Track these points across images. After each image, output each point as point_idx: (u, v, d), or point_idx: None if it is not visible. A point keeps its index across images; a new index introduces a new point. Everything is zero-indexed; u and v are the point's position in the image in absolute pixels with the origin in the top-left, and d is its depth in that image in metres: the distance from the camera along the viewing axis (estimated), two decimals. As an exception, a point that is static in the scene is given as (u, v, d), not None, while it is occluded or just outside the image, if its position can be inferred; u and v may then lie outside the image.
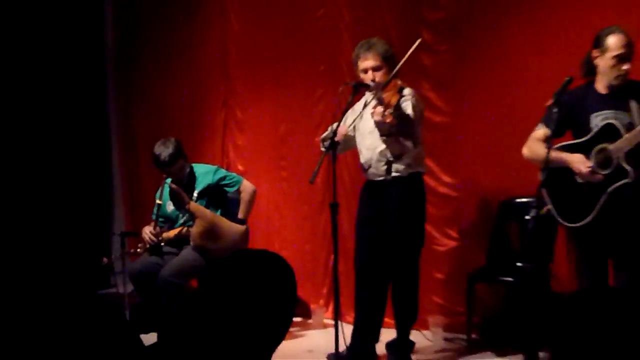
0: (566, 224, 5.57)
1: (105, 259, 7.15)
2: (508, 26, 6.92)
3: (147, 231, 6.94)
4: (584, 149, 5.45)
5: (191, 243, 6.87)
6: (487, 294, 7.04)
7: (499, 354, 6.66)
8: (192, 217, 6.92)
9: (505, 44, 6.92)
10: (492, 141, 7.00)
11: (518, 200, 6.81)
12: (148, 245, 6.92)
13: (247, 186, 7.16)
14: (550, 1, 6.69)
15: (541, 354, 5.15)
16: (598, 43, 5.43)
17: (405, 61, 5.82)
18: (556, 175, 5.50)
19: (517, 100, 6.81)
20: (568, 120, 5.54)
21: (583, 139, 5.47)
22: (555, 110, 5.13)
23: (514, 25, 6.89)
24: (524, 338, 6.39)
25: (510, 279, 6.67)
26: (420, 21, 7.26)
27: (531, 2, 6.80)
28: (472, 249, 7.18)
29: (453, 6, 7.13)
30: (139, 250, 7.05)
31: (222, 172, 7.16)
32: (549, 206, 5.60)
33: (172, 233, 6.97)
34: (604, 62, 5.40)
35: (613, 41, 5.36)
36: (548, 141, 5.19)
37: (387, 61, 6.23)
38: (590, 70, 5.53)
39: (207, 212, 6.96)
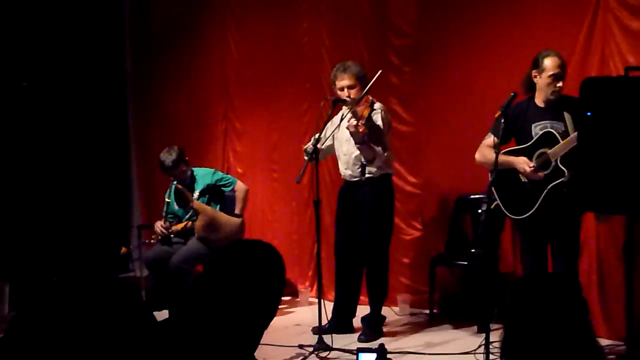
0: (512, 216, 5.60)
1: (124, 249, 7.15)
2: (461, 50, 6.89)
3: (159, 225, 6.95)
4: (526, 154, 5.47)
5: (195, 234, 6.87)
6: (446, 275, 7.03)
7: (456, 326, 6.65)
8: (196, 212, 6.90)
9: (459, 65, 6.90)
10: (449, 147, 6.99)
11: (472, 196, 6.77)
12: (160, 237, 6.94)
13: (240, 186, 7.12)
14: (496, 28, 6.67)
15: (491, 325, 5.14)
16: (536, 64, 5.46)
17: (371, 86, 6.01)
18: (503, 175, 5.52)
19: (469, 112, 6.79)
20: (513, 129, 5.57)
21: (526, 145, 5.49)
22: (502, 120, 5.14)
23: (466, 49, 6.87)
24: (477, 312, 6.42)
25: (465, 262, 6.67)
26: (389, 46, 7.24)
27: (480, 29, 6.77)
28: (434, 237, 7.17)
29: (416, 34, 7.11)
30: (152, 241, 7.07)
31: (219, 174, 7.13)
32: (497, 202, 5.63)
33: (180, 226, 6.96)
34: (541, 81, 5.43)
35: (549, 63, 5.39)
36: (496, 147, 5.20)
37: (361, 80, 6.26)
38: (531, 87, 5.55)
39: (208, 208, 6.93)
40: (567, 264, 5.45)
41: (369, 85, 6.04)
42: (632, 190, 4.39)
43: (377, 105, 6.16)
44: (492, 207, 5.69)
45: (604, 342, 5.68)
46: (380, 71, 6.11)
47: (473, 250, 6.56)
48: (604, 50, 5.87)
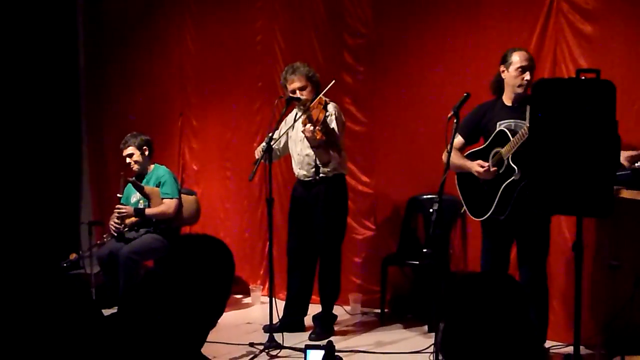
0: (475, 218, 5.59)
1: (74, 254, 7.09)
2: (415, 50, 6.90)
3: (113, 218, 6.91)
4: (484, 154, 5.48)
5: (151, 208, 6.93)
6: (397, 275, 7.05)
7: (406, 326, 6.67)
8: (148, 198, 6.93)
9: (414, 65, 6.91)
10: (402, 147, 7.01)
11: (424, 196, 6.81)
12: (115, 234, 6.90)
13: (169, 204, 6.99)
14: (450, 29, 6.68)
15: (442, 325, 5.16)
16: (505, 59, 5.44)
17: (325, 92, 5.99)
18: (467, 178, 5.56)
19: (423, 112, 6.80)
20: (479, 129, 5.59)
21: (483, 145, 5.52)
22: (455, 121, 5.14)
23: (420, 49, 6.87)
24: (427, 311, 6.45)
25: (416, 262, 6.69)
26: (343, 46, 7.24)
27: (435, 29, 6.78)
28: (385, 237, 7.18)
29: (370, 34, 7.11)
30: (105, 239, 7.02)
31: (169, 179, 7.08)
32: (464, 207, 5.66)
33: (134, 219, 6.93)
34: (509, 75, 5.40)
35: (517, 56, 5.37)
36: (449, 148, 5.18)
37: (311, 80, 6.26)
38: (499, 88, 5.53)
39: (156, 189, 6.97)
40: (531, 268, 5.46)
41: (320, 94, 6.00)
42: (581, 191, 4.43)
43: (330, 106, 6.11)
44: (461, 211, 5.76)
45: (549, 343, 5.74)
46: (333, 80, 6.10)
47: (424, 250, 6.59)
48: (556, 53, 5.91)
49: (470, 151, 5.64)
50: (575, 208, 4.56)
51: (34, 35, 8.56)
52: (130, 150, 7.02)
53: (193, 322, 2.46)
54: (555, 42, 5.99)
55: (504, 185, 5.31)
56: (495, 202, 5.36)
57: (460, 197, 5.68)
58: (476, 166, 5.45)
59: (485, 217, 5.45)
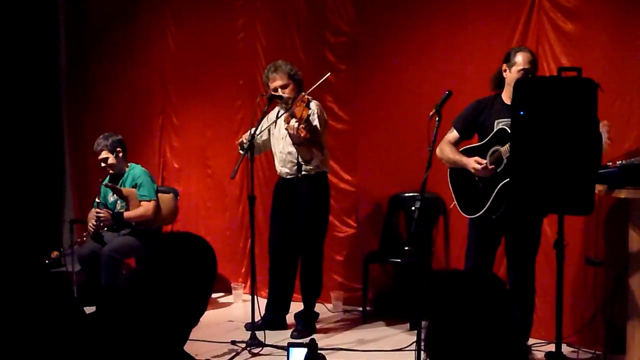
0: (467, 215, 5.56)
1: (55, 252, 7.06)
2: (397, 48, 6.91)
3: (91, 220, 6.88)
4: (481, 151, 5.42)
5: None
6: (379, 273, 7.07)
7: (389, 323, 6.68)
8: (126, 200, 6.88)
9: (395, 63, 6.91)
10: (383, 145, 7.02)
11: (405, 194, 6.83)
12: (92, 232, 6.87)
13: (147, 206, 6.92)
14: (432, 27, 6.69)
15: (424, 322, 5.17)
16: (508, 58, 5.39)
17: (315, 86, 6.00)
18: (460, 174, 5.52)
19: (405, 110, 6.81)
20: (475, 125, 5.55)
21: (481, 142, 5.46)
22: (437, 119, 5.10)
23: (402, 47, 6.88)
24: (409, 309, 6.45)
25: (398, 260, 6.71)
26: (325, 44, 7.24)
27: (416, 27, 6.79)
28: (367, 235, 7.19)
29: (352, 32, 7.11)
30: (85, 238, 6.99)
31: (146, 180, 7.01)
32: (455, 202, 5.64)
33: (109, 215, 6.90)
34: (511, 75, 5.33)
35: (520, 57, 5.31)
36: (430, 146, 5.13)
37: (293, 78, 6.27)
38: (499, 84, 5.48)
39: (133, 190, 6.91)
40: (520, 267, 5.49)
41: (315, 85, 6.02)
42: (562, 188, 4.45)
43: (313, 104, 6.11)
44: (450, 206, 5.74)
45: (531, 340, 5.76)
46: (328, 73, 6.10)
47: (406, 248, 6.59)
48: (538, 51, 5.90)
49: (467, 147, 5.60)
50: (556, 206, 4.57)
51: (14, 35, 8.52)
52: (104, 155, 6.94)
53: (176, 320, 2.46)
54: (537, 40, 6.01)
55: (500, 184, 5.26)
56: (490, 200, 5.32)
57: (452, 192, 5.63)
58: (473, 163, 5.38)
59: (478, 214, 5.43)
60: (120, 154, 6.99)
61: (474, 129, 5.59)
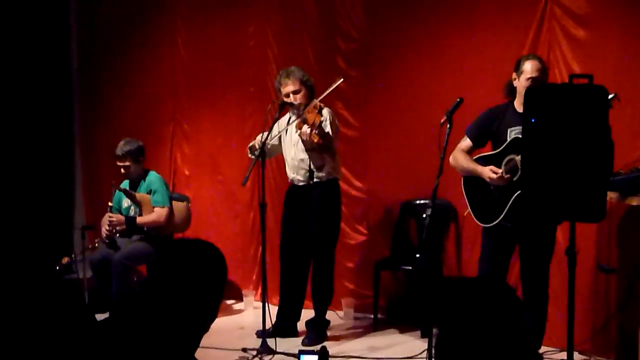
0: (482, 224, 5.52)
1: (66, 258, 7.07)
2: (408, 55, 6.91)
3: (104, 225, 6.88)
4: (496, 159, 5.39)
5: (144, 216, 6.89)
6: (390, 280, 7.06)
7: (400, 331, 6.68)
8: (139, 205, 6.89)
9: (406, 69, 6.91)
10: (394, 152, 7.01)
11: (417, 201, 6.82)
12: (106, 241, 6.87)
13: (160, 212, 6.93)
14: (443, 34, 6.69)
15: (435, 330, 5.16)
16: (517, 67, 5.37)
17: (327, 91, 6.04)
18: (475, 182, 5.48)
19: (416, 117, 6.81)
20: (489, 133, 5.52)
21: (496, 151, 5.42)
22: (448, 126, 5.10)
23: (413, 54, 6.88)
24: (421, 316, 6.45)
25: (409, 267, 6.69)
26: (336, 51, 7.24)
27: (427, 34, 6.80)
28: (378, 242, 7.18)
29: (363, 39, 7.12)
30: (96, 245, 7.00)
31: (161, 187, 7.01)
32: (469, 209, 5.62)
33: (122, 219, 6.91)
34: (520, 84, 5.31)
35: (528, 66, 5.28)
36: (442, 153, 5.11)
37: (305, 84, 6.27)
38: (512, 92, 5.46)
39: (147, 196, 6.93)
40: (534, 275, 5.47)
41: (328, 91, 6.03)
42: (574, 195, 4.44)
43: (325, 111, 6.14)
44: (464, 215, 5.71)
45: (543, 348, 5.74)
46: (342, 79, 6.12)
47: (417, 255, 6.57)
48: (550, 58, 5.90)
49: (481, 155, 5.57)
50: (568, 213, 4.56)
51: (27, 39, 8.54)
52: (127, 162, 6.91)
53: (186, 326, 2.46)
54: (548, 47, 6.00)
55: (516, 193, 5.20)
56: (506, 209, 5.29)
57: (466, 200, 5.61)
58: (488, 172, 5.35)
59: (494, 223, 5.40)
60: (142, 160, 6.99)
61: (487, 137, 5.56)
